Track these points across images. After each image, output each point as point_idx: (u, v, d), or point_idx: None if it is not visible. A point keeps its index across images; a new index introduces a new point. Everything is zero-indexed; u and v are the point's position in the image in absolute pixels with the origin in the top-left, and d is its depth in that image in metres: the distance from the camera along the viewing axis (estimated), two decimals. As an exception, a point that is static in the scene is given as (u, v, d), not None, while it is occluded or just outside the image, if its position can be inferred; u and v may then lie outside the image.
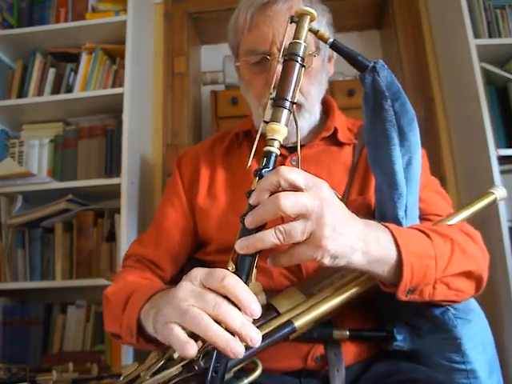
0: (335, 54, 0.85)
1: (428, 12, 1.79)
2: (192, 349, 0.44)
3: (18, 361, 1.44)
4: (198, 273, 0.48)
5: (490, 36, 1.51)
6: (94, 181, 1.56)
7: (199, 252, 0.85)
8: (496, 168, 1.35)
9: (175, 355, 0.52)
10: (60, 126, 1.72)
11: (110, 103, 1.65)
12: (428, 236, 0.60)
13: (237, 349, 0.44)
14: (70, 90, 1.68)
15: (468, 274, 0.61)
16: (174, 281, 0.84)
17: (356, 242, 0.51)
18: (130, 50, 1.61)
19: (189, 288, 0.47)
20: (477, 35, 1.48)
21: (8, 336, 1.51)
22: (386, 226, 0.57)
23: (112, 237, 1.55)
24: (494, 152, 1.37)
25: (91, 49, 1.71)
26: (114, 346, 1.44)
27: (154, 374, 0.51)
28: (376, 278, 0.58)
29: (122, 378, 0.54)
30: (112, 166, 1.60)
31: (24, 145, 1.67)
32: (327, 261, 0.49)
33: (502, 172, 1.38)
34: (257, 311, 0.45)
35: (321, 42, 0.55)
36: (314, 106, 0.82)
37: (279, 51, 0.73)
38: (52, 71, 1.73)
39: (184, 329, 0.45)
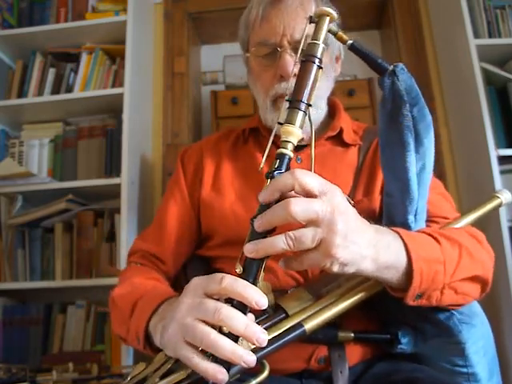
0: (342, 54, 0.86)
1: (428, 12, 1.79)
2: (224, 376, 0.45)
3: (18, 361, 1.43)
4: (198, 282, 0.49)
5: (490, 36, 1.51)
6: (94, 181, 1.55)
7: (201, 248, 0.84)
8: (496, 168, 1.35)
9: None
10: (60, 125, 1.71)
11: (110, 103, 1.64)
12: (437, 240, 0.59)
13: (250, 360, 0.45)
14: (70, 90, 1.68)
15: (475, 279, 0.61)
16: (176, 279, 0.84)
17: (366, 250, 0.51)
18: (129, 50, 1.61)
19: (188, 301, 0.48)
20: (477, 35, 1.48)
21: (8, 336, 1.51)
22: (396, 232, 0.56)
23: (112, 237, 1.55)
24: (494, 152, 1.37)
25: (91, 49, 1.71)
26: (114, 345, 1.44)
27: (162, 377, 0.51)
28: (384, 282, 0.58)
29: (129, 379, 0.54)
30: (112, 166, 1.59)
31: (24, 145, 1.67)
32: (336, 268, 0.49)
33: (502, 172, 1.38)
34: (263, 302, 0.45)
35: (329, 39, 0.55)
36: (321, 101, 0.81)
37: (289, 44, 0.75)
38: (52, 71, 1.72)
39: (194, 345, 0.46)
